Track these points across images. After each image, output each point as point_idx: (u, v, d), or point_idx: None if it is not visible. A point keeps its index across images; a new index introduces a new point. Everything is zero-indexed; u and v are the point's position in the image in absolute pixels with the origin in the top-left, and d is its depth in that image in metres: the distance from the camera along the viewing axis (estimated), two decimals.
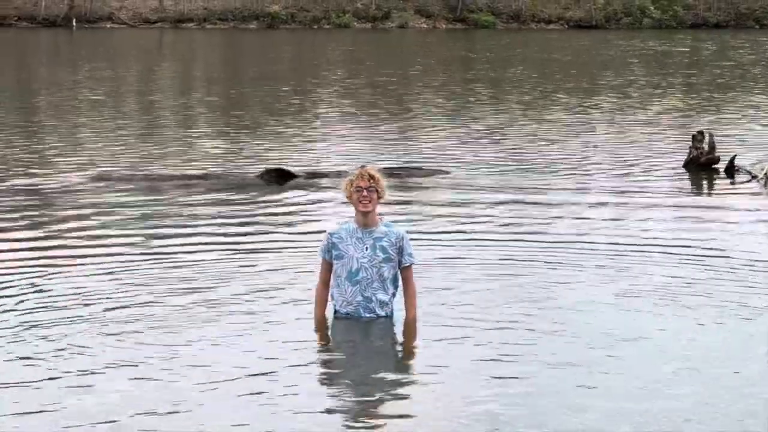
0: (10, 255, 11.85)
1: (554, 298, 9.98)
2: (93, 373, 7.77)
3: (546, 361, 8.11)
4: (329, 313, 8.99)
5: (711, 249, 12.29)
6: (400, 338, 8.77)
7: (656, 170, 18.85)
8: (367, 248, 8.83)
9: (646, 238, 12.92)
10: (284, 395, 7.35)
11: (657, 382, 7.66)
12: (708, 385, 7.66)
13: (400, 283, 8.98)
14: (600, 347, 8.48)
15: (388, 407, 7.21)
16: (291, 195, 16.31)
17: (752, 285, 10.58)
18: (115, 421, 6.89)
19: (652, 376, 7.81)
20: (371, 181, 8.75)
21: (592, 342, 8.61)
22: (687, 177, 18.22)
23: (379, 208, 8.98)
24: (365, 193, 8.73)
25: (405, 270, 8.93)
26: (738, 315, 9.46)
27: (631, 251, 12.14)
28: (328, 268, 8.97)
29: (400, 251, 8.87)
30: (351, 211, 9.05)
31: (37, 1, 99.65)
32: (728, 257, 11.85)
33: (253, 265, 11.23)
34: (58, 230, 13.46)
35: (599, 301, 9.90)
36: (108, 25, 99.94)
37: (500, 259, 11.61)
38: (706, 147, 18.80)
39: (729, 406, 7.26)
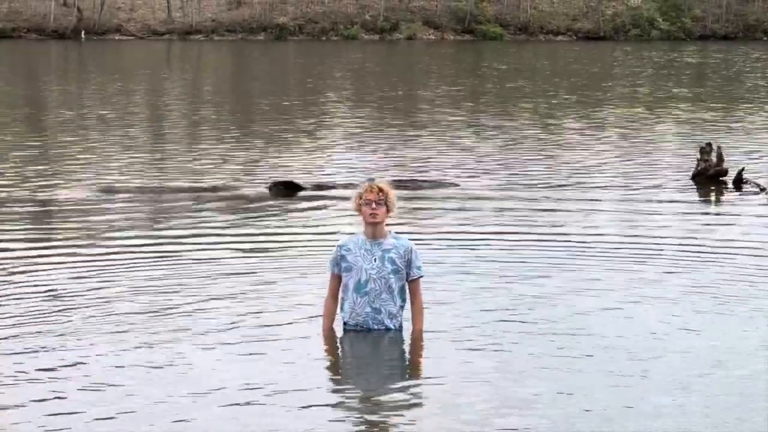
0: (18, 263, 11.89)
1: (566, 306, 9.98)
2: (99, 381, 7.79)
3: (560, 369, 8.10)
4: (337, 326, 8.99)
5: (720, 258, 12.33)
6: (407, 350, 8.77)
7: (664, 182, 18.84)
8: (375, 260, 8.83)
9: (656, 247, 12.96)
10: (291, 407, 7.34)
11: (685, 384, 7.70)
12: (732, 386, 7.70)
13: (407, 296, 8.98)
14: (618, 353, 8.49)
15: (396, 420, 7.19)
16: (299, 207, 16.32)
17: (761, 290, 10.68)
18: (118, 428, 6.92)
19: (678, 378, 7.87)
20: (380, 194, 8.75)
21: (609, 349, 8.61)
22: (695, 189, 18.21)
23: (387, 220, 8.98)
24: (374, 206, 8.74)
25: (413, 283, 8.93)
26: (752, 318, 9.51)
27: (642, 260, 12.19)
28: (337, 281, 8.98)
29: (409, 264, 8.87)
30: (359, 222, 9.04)
31: (46, 14, 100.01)
32: (737, 265, 11.92)
33: (261, 277, 11.23)
34: (66, 242, 13.47)
35: (613, 308, 9.93)
36: (116, 37, 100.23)
37: (510, 270, 11.60)
38: (714, 159, 18.78)
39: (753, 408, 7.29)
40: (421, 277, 8.96)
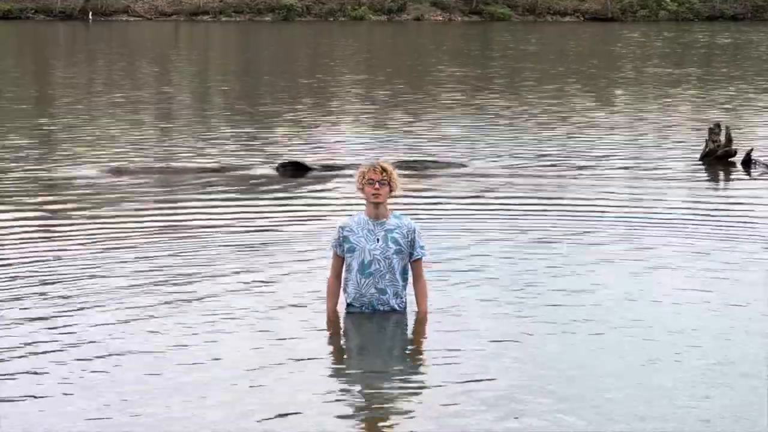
0: (27, 242, 11.94)
1: (579, 287, 9.96)
2: (102, 362, 7.82)
3: (573, 356, 8.05)
4: (341, 307, 8.99)
5: (729, 238, 12.32)
6: (413, 332, 8.74)
7: (672, 163, 18.82)
8: (378, 240, 8.82)
9: (665, 228, 12.96)
10: (295, 388, 7.33)
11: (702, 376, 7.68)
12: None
13: (410, 275, 8.97)
14: (624, 338, 8.46)
15: (401, 402, 7.18)
16: (307, 188, 16.33)
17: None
18: (114, 404, 6.93)
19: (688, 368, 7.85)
20: (383, 174, 8.74)
21: (613, 331, 8.58)
22: (703, 170, 18.19)
23: (395, 200, 8.97)
24: (377, 185, 8.73)
25: (416, 263, 8.90)
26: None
27: (651, 241, 12.17)
28: (339, 261, 8.96)
29: (412, 244, 8.86)
30: (365, 202, 9.03)
31: None
32: (746, 245, 11.92)
33: (268, 257, 11.23)
34: (74, 221, 13.49)
35: (626, 290, 9.91)
36: (124, 18, 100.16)
37: (519, 251, 11.57)
38: (722, 140, 18.76)
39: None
40: (424, 256, 8.96)
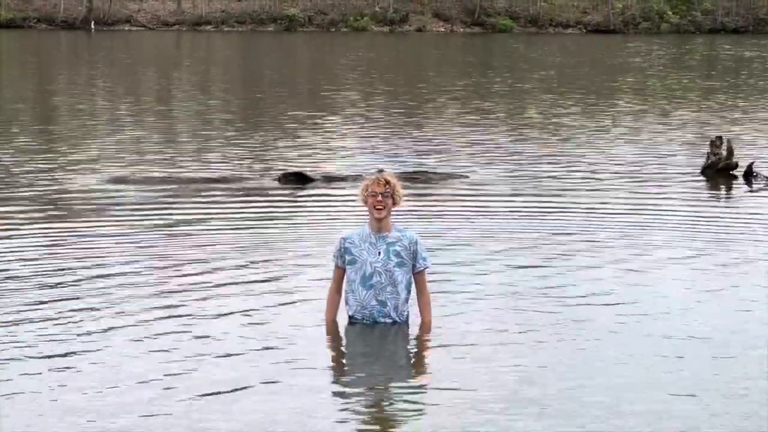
0: (28, 250, 11.95)
1: (578, 298, 9.96)
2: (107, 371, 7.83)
3: (567, 366, 8.05)
4: (340, 319, 8.97)
5: (729, 251, 12.32)
6: (414, 343, 8.73)
7: (673, 175, 18.81)
8: (380, 253, 8.81)
9: (665, 241, 12.94)
10: (295, 400, 7.33)
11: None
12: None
13: (413, 288, 8.96)
14: (627, 349, 8.47)
15: (401, 414, 7.18)
16: (308, 198, 16.32)
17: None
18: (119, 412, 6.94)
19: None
20: (387, 186, 8.74)
21: (618, 346, 8.58)
22: (704, 182, 18.19)
23: (397, 212, 8.97)
24: (380, 198, 8.73)
25: (419, 274, 8.90)
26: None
27: (651, 252, 12.18)
28: (340, 273, 8.96)
29: (414, 256, 8.86)
30: (368, 214, 9.02)
31: (56, 3, 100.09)
32: (745, 259, 11.91)
33: (269, 269, 11.24)
34: (74, 230, 13.48)
35: (621, 299, 9.96)
36: (126, 28, 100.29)
37: (522, 263, 11.58)
38: (724, 152, 18.76)
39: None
40: (427, 268, 8.96)
